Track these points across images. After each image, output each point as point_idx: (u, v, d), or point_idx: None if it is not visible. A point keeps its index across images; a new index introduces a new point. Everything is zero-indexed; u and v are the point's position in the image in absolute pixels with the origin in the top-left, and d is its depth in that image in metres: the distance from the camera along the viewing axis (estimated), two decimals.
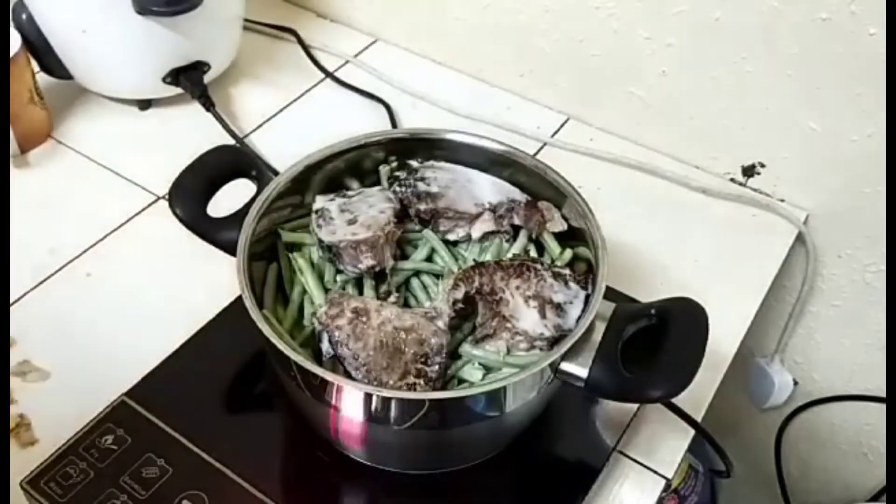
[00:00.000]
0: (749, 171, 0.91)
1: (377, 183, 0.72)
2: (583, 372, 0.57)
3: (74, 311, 0.77)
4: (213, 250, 0.64)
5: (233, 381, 0.70)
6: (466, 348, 0.61)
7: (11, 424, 0.68)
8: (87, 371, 0.72)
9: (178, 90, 0.95)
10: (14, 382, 0.71)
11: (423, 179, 0.69)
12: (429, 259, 0.67)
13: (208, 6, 0.86)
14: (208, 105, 0.94)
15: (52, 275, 0.80)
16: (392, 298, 0.63)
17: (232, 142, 0.92)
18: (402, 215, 0.68)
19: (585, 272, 0.65)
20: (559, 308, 0.61)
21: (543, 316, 0.60)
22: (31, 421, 0.69)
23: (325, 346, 0.59)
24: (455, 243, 0.69)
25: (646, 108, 0.93)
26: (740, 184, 0.92)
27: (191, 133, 0.94)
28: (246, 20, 1.01)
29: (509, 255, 0.66)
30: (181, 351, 0.71)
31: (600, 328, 0.59)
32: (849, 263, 0.90)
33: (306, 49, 1.06)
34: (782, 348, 1.00)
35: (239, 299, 0.57)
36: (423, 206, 0.67)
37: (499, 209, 0.68)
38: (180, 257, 0.78)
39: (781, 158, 0.88)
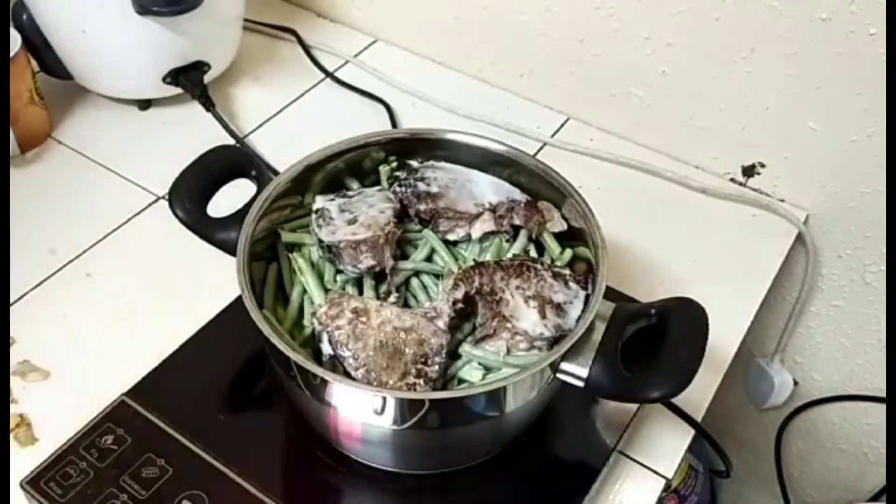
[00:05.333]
0: (749, 171, 0.91)
1: (377, 183, 0.72)
2: (583, 372, 0.57)
3: (74, 311, 0.77)
4: (213, 250, 0.64)
5: (233, 381, 0.70)
6: (466, 348, 0.61)
7: (11, 424, 0.68)
8: (87, 371, 0.72)
9: (178, 90, 0.95)
10: (14, 382, 0.71)
11: (423, 179, 0.69)
12: (429, 259, 0.67)
13: (208, 6, 0.86)
14: (208, 105, 0.94)
15: (52, 275, 0.80)
16: (392, 298, 0.63)
17: (232, 142, 0.92)
18: (402, 215, 0.68)
19: (585, 272, 0.65)
20: (559, 308, 0.61)
21: (543, 316, 0.60)
22: (31, 421, 0.69)
23: (325, 346, 0.59)
24: (455, 243, 0.69)
25: (646, 108, 0.93)
26: (740, 184, 0.92)
27: (191, 133, 0.94)
28: (246, 20, 1.01)
29: (509, 255, 0.66)
30: (181, 351, 0.71)
31: (600, 328, 0.59)
32: (849, 263, 0.90)
33: (306, 49, 1.06)
34: (782, 348, 1.00)
35: (239, 299, 0.57)
36: (423, 206, 0.67)
37: (499, 209, 0.68)
38: (180, 257, 0.78)
39: (781, 158, 0.88)
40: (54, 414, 0.69)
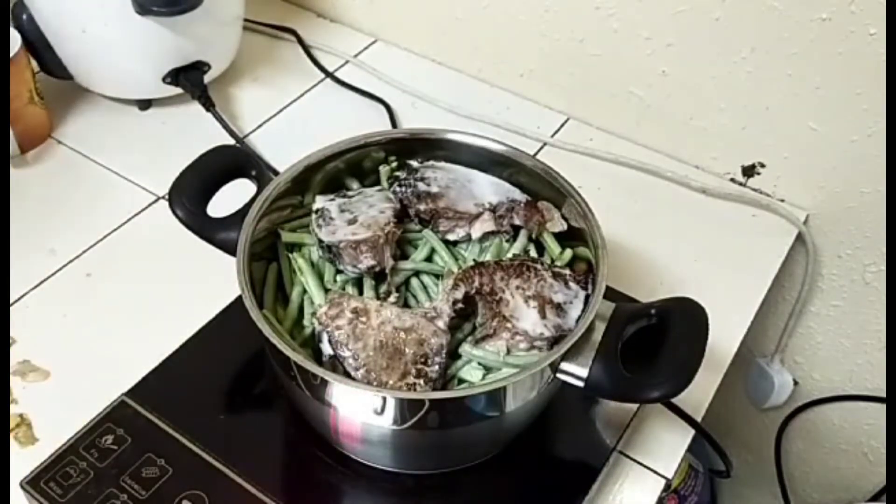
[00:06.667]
0: (749, 171, 0.91)
1: (377, 183, 0.72)
2: (583, 372, 0.57)
3: (74, 311, 0.77)
4: (213, 250, 0.64)
5: (233, 381, 0.70)
6: (466, 348, 0.61)
7: (11, 424, 0.68)
8: (87, 371, 0.72)
9: (178, 90, 0.95)
10: (14, 382, 0.71)
11: (423, 179, 0.69)
12: (429, 259, 0.67)
13: (208, 6, 0.86)
14: (208, 105, 0.94)
15: (52, 275, 0.80)
16: (392, 298, 0.63)
17: (232, 142, 0.92)
18: (402, 215, 0.68)
19: (585, 272, 0.65)
20: (559, 308, 0.61)
21: (543, 316, 0.60)
22: (31, 421, 0.69)
23: (325, 346, 0.59)
24: (455, 243, 0.69)
25: (646, 108, 0.93)
26: (740, 184, 0.92)
27: (191, 133, 0.94)
28: (246, 20, 1.01)
29: (509, 255, 0.66)
30: (181, 351, 0.71)
31: (600, 328, 0.59)
32: (849, 263, 0.90)
33: (306, 49, 1.06)
34: (782, 348, 1.00)
35: (239, 299, 0.57)
36: (423, 206, 0.67)
37: (499, 209, 0.68)
38: (180, 257, 0.78)
39: (781, 158, 0.88)
40: (54, 414, 0.69)
